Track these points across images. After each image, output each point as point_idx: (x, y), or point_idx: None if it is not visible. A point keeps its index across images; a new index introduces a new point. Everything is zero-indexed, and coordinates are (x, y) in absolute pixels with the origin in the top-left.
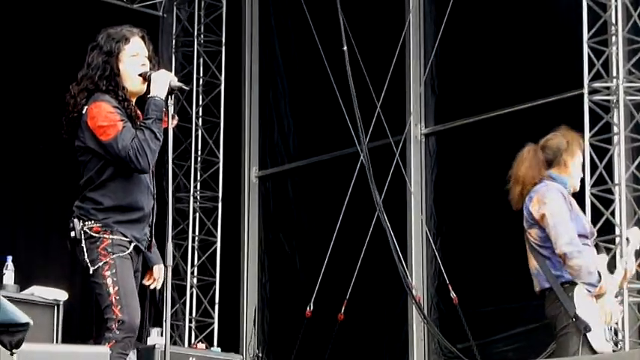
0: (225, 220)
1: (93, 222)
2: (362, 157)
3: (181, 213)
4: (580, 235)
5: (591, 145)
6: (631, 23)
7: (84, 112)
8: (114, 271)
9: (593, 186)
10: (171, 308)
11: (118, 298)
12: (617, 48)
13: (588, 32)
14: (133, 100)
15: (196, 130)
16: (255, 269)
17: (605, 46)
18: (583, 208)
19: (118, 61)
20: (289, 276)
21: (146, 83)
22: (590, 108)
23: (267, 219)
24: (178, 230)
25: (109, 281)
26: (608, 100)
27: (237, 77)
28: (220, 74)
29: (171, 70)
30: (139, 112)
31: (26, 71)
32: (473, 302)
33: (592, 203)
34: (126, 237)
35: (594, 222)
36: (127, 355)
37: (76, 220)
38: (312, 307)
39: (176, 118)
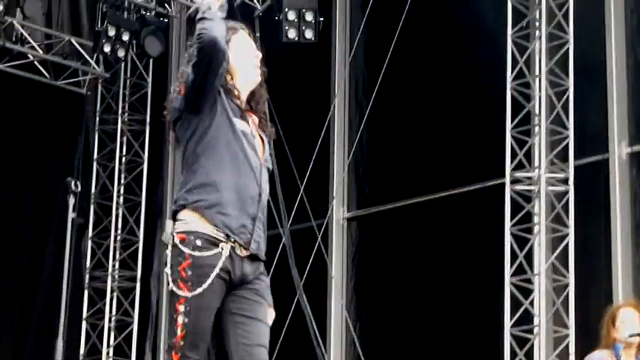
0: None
1: (181, 221)
2: (284, 239)
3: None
4: None
5: (512, 234)
6: (554, 114)
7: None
8: (188, 309)
9: (512, 275)
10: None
11: (182, 344)
12: (540, 138)
13: (512, 122)
14: (244, 92)
15: (117, 209)
16: None
17: (528, 136)
18: (502, 297)
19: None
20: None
21: (259, 73)
22: (511, 197)
23: None
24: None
25: (180, 320)
26: (529, 190)
27: (160, 157)
28: (143, 153)
29: (93, 147)
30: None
31: None
32: None
33: (511, 293)
34: (217, 231)
35: (513, 312)
36: None
37: (168, 221)
38: None
39: None
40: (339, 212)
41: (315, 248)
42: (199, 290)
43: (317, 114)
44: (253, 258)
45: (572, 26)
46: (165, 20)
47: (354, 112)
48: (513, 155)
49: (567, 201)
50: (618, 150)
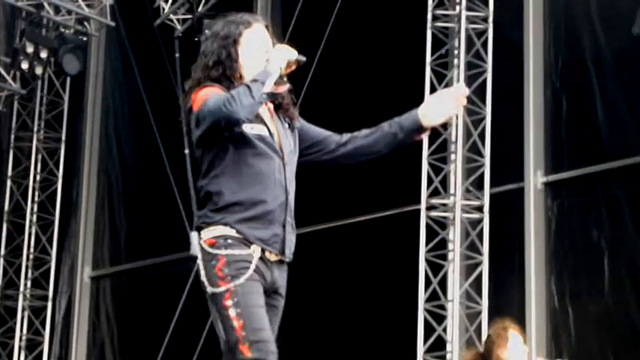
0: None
1: (209, 229)
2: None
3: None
4: None
5: (426, 260)
6: (470, 142)
7: (189, 104)
8: (236, 299)
9: (426, 301)
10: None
11: (244, 334)
12: (456, 166)
13: (428, 149)
14: None
15: (30, 226)
16: None
17: (444, 163)
18: (415, 324)
19: (237, 45)
20: None
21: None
22: (426, 223)
23: (99, 323)
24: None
25: (232, 313)
26: (444, 217)
27: (75, 175)
28: (58, 171)
29: (7, 165)
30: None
31: None
32: None
33: (425, 318)
34: (247, 240)
35: (426, 338)
36: None
37: (193, 234)
38: None
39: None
40: None
41: None
42: (241, 280)
43: None
44: (281, 262)
45: (491, 55)
46: (85, 39)
47: None
48: (429, 182)
49: (482, 229)
50: (534, 179)
